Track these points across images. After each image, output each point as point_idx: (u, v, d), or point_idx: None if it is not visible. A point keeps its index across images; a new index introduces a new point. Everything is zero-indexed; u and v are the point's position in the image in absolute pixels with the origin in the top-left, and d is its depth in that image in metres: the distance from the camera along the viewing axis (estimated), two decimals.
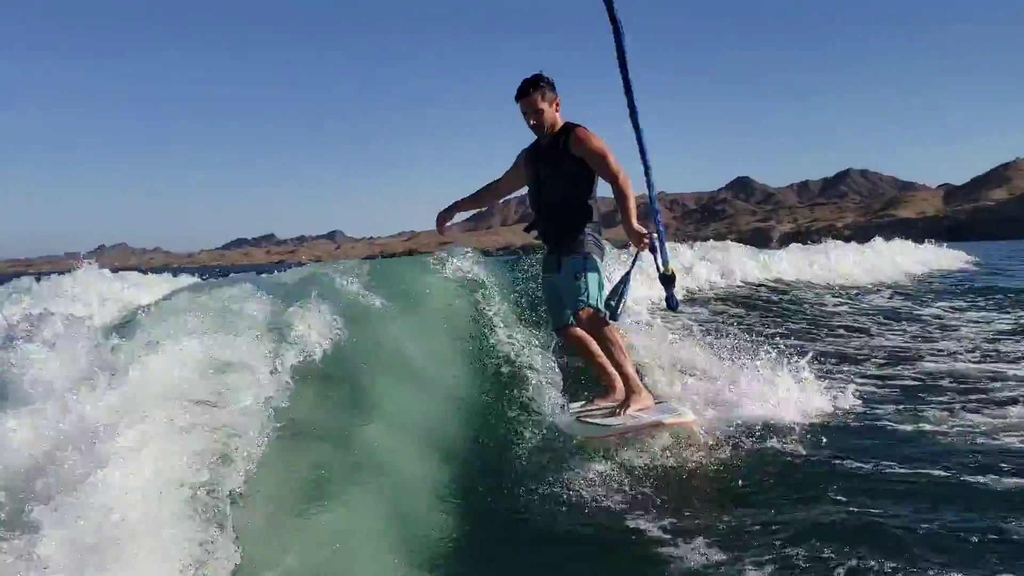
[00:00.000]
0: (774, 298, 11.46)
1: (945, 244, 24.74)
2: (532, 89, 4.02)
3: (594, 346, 4.08)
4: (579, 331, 4.07)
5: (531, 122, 4.10)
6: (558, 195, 4.13)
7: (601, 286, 4.13)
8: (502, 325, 5.30)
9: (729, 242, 15.05)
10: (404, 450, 3.37)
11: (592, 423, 3.89)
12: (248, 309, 3.51)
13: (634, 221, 3.86)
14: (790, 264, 14.51)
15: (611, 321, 4.05)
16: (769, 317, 9.54)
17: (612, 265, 5.16)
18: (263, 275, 5.54)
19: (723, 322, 8.13)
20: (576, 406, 4.22)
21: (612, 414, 3.97)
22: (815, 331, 8.46)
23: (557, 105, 4.11)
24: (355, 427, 3.29)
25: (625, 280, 4.02)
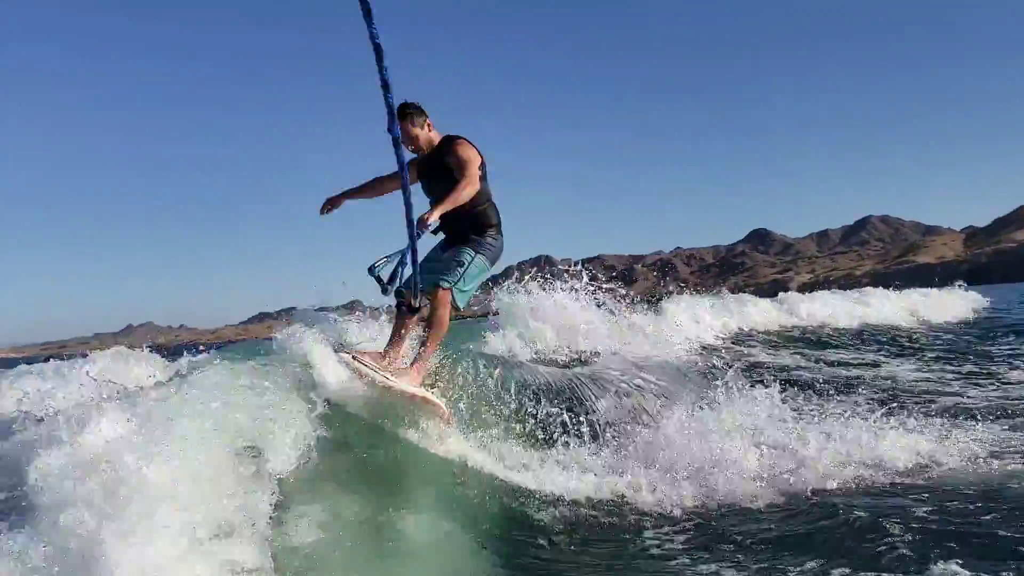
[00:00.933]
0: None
1: (964, 287, 23.14)
2: (402, 119, 4.27)
3: (412, 322, 4.50)
4: (414, 301, 4.43)
5: (410, 148, 4.47)
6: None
7: (471, 290, 4.56)
8: None
9: (742, 295, 14.97)
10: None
11: (363, 363, 4.07)
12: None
13: (437, 211, 4.16)
14: (761, 314, 13.53)
15: (392, 295, 4.43)
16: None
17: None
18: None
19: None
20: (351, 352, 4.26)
21: (381, 367, 4.15)
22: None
23: (429, 125, 4.55)
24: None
25: (403, 256, 4.34)
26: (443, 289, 4.37)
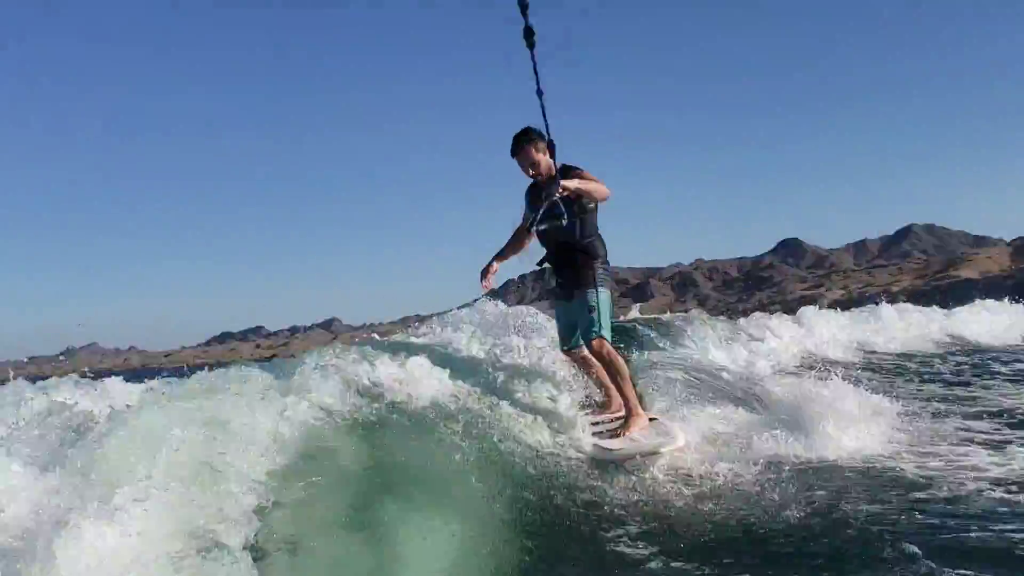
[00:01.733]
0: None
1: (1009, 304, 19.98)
2: (525, 143, 4.51)
3: (597, 365, 4.73)
4: (586, 353, 4.72)
5: (530, 173, 4.61)
6: (564, 233, 4.51)
7: (611, 316, 4.69)
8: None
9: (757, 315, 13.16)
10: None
11: (600, 446, 4.43)
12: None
13: (574, 184, 4.31)
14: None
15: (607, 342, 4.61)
16: None
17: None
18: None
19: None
20: (584, 419, 4.74)
21: (615, 435, 4.53)
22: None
23: (547, 152, 4.50)
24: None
25: (548, 206, 4.44)
26: (596, 340, 4.57)
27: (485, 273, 4.82)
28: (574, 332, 4.70)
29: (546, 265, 4.78)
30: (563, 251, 4.64)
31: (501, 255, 4.89)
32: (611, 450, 4.35)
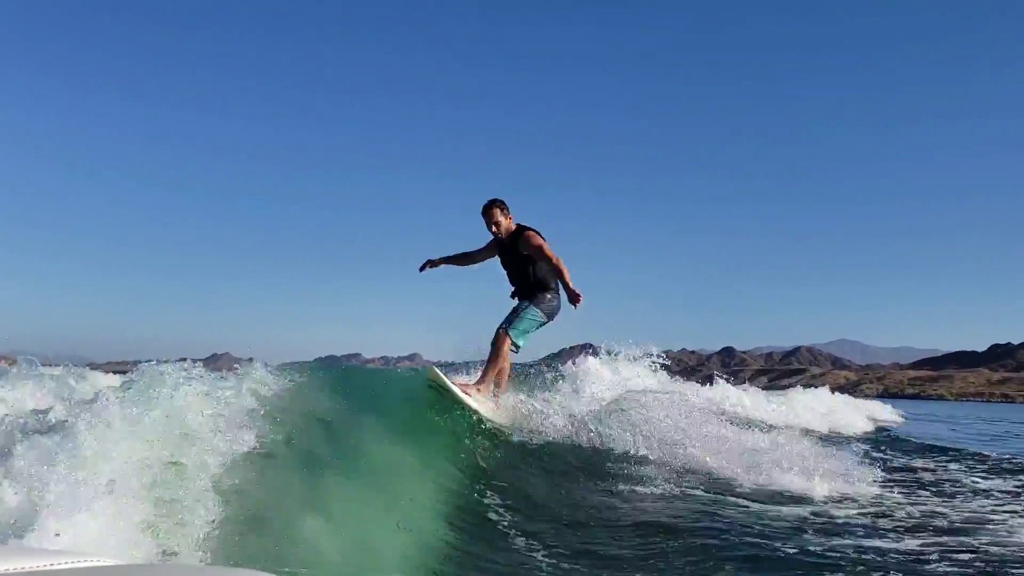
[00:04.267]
0: None
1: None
2: (494, 207, 6.16)
3: (499, 362, 6.13)
4: (502, 348, 6.06)
5: (492, 229, 6.20)
6: (519, 275, 6.23)
7: (526, 330, 6.10)
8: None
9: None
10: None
11: (452, 385, 5.90)
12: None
13: (571, 284, 5.89)
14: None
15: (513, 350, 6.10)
16: None
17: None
18: None
19: None
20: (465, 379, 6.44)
21: (466, 387, 6.01)
22: None
23: (510, 217, 6.23)
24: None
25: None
26: (501, 332, 6.03)
27: (428, 264, 6.37)
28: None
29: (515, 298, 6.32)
30: (523, 285, 6.23)
31: (445, 259, 6.47)
32: (450, 389, 5.85)
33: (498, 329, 6.03)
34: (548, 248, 6.02)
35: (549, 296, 6.14)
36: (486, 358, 6.14)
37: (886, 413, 22.30)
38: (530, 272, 6.12)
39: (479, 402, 5.95)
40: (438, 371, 6.03)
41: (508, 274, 6.32)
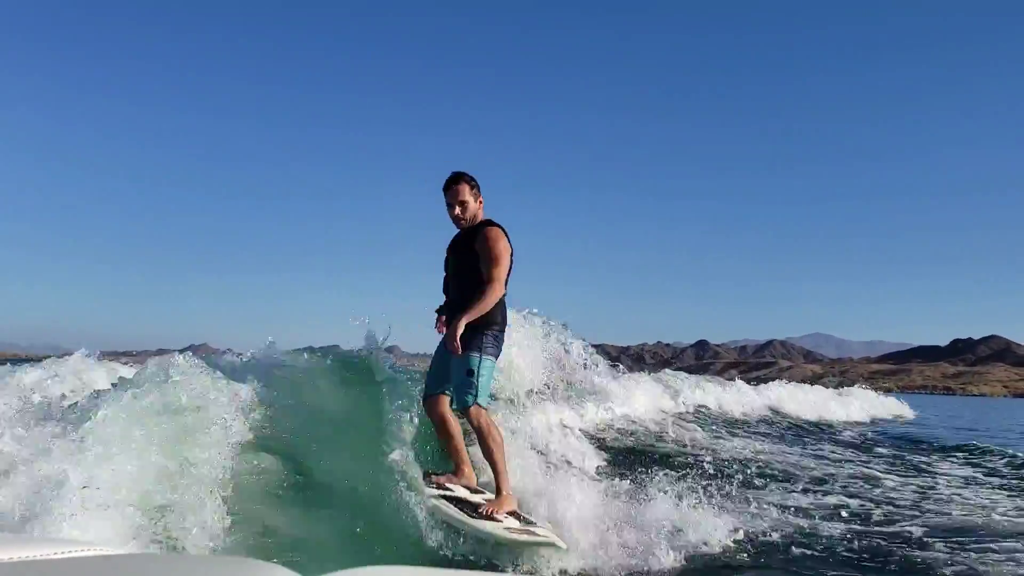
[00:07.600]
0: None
1: None
2: (461, 181, 4.31)
3: (457, 430, 4.37)
4: (444, 408, 4.34)
5: (455, 212, 4.33)
6: (464, 283, 4.29)
7: (487, 381, 4.27)
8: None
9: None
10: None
11: (453, 514, 3.89)
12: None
13: (462, 323, 4.06)
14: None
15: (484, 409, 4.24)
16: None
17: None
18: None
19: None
20: (435, 480, 4.24)
21: (476, 510, 3.99)
22: None
23: (480, 202, 4.37)
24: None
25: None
26: (473, 409, 4.18)
27: (438, 314, 4.54)
28: (442, 384, 4.36)
29: (443, 316, 4.47)
30: (464, 301, 4.22)
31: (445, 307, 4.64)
32: (464, 522, 3.84)
33: (464, 406, 4.17)
34: (503, 267, 4.21)
35: (495, 333, 4.27)
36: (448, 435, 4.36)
37: (886, 409, 22.08)
38: (480, 282, 4.18)
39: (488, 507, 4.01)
40: (444, 508, 3.96)
41: (451, 280, 4.44)
